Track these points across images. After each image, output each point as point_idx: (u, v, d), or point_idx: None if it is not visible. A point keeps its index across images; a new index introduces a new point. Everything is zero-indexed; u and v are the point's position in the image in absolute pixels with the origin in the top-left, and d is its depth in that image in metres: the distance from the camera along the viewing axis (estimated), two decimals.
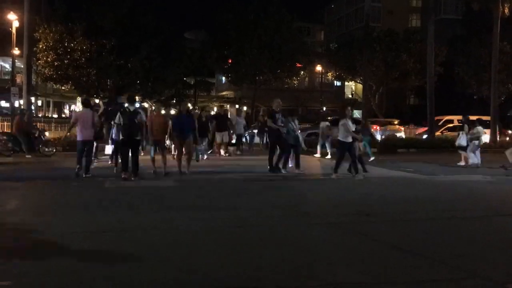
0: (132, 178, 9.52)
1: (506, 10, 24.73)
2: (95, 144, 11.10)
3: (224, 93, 52.78)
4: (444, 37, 34.60)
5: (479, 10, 29.83)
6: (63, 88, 32.21)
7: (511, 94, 31.41)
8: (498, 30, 24.27)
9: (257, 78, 35.42)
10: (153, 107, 27.24)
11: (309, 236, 5.31)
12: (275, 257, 4.40)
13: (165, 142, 11.04)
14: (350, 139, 10.46)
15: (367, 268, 4.11)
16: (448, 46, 33.65)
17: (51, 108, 47.79)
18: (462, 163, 13.60)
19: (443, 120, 27.07)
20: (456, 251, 4.65)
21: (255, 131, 20.25)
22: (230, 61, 35.92)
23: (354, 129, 10.63)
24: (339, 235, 5.41)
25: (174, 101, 41.97)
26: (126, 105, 9.90)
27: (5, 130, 19.97)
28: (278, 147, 11.24)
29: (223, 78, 45.70)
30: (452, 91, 34.24)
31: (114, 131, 10.96)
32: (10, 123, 18.82)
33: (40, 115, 36.44)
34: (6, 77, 37.84)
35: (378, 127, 26.35)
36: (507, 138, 24.46)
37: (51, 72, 25.37)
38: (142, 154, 10.85)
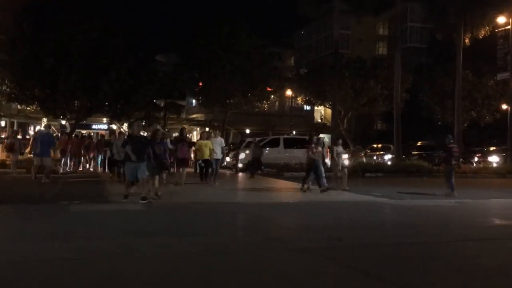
0: None
1: (467, 41, 25.84)
2: None
3: (194, 115, 52.64)
4: (410, 65, 35.69)
5: (443, 40, 31.02)
6: (28, 108, 31.45)
7: (473, 120, 32.56)
8: (460, 59, 25.29)
9: (227, 101, 35.51)
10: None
11: (279, 262, 5.23)
12: (246, 283, 4.30)
13: None
14: None
15: None
16: (413, 74, 34.70)
17: (15, 128, 46.42)
18: None
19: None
20: (424, 278, 4.67)
21: None
22: (201, 84, 35.95)
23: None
24: (309, 260, 5.35)
25: (144, 123, 41.36)
26: None
27: None
28: None
29: (194, 101, 45.64)
30: (418, 117, 35.19)
31: None
32: None
33: (3, 136, 35.35)
34: None
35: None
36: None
37: (17, 92, 24.75)
38: None
